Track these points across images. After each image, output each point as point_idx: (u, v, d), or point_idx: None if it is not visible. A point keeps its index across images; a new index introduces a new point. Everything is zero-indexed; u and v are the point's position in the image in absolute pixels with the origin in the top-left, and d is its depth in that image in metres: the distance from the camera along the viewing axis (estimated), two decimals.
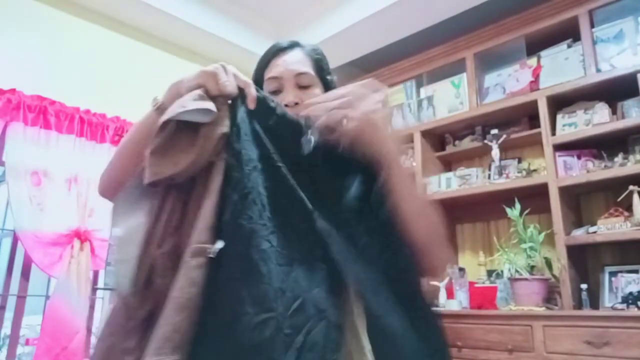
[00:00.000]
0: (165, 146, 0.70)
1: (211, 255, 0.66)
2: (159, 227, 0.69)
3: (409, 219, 0.76)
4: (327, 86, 0.96)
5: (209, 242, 0.66)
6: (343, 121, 0.74)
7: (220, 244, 0.67)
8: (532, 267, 2.55)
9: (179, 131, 0.71)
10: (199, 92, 0.71)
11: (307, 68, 0.93)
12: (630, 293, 2.20)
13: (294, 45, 0.96)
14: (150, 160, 0.69)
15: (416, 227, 0.77)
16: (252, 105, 0.74)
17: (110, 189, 0.84)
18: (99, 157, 2.64)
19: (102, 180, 0.85)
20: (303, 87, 0.92)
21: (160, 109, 0.74)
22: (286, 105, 0.90)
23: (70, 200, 2.53)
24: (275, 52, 0.95)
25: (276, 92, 0.93)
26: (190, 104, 0.70)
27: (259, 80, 0.96)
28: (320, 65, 0.96)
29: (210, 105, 0.70)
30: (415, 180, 0.76)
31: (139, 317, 0.66)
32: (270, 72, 0.93)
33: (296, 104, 0.90)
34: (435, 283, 2.84)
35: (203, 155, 0.70)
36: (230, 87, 0.72)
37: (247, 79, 0.75)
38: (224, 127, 0.72)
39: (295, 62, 0.93)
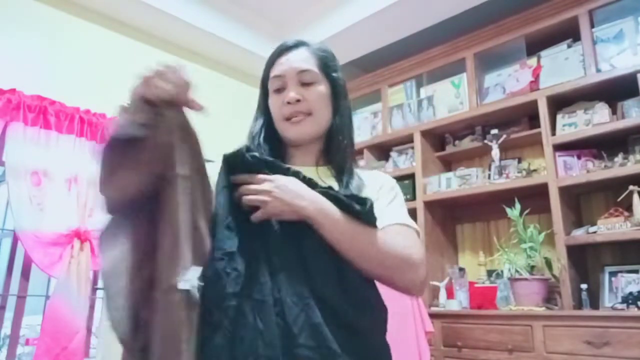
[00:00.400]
0: (114, 169, 0.68)
1: (183, 289, 0.64)
2: (136, 255, 0.68)
3: (352, 258, 0.78)
4: (333, 83, 0.96)
5: (177, 275, 0.64)
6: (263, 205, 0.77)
7: (194, 281, 0.65)
8: (532, 267, 2.55)
9: (126, 149, 0.68)
10: (127, 105, 0.70)
11: (310, 65, 0.93)
12: (630, 293, 2.19)
13: (299, 44, 0.96)
14: (101, 187, 0.68)
15: (363, 264, 0.78)
16: (197, 108, 0.73)
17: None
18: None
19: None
20: (306, 84, 0.92)
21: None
22: (288, 103, 0.91)
23: (70, 200, 2.52)
24: (281, 51, 0.96)
25: (279, 90, 0.93)
26: (123, 121, 0.68)
27: (266, 79, 0.97)
28: (325, 63, 0.96)
29: (140, 118, 0.68)
30: (350, 223, 0.78)
31: (137, 349, 0.66)
32: (274, 71, 0.94)
33: (298, 100, 0.90)
34: (436, 283, 2.84)
35: (151, 169, 0.68)
36: (163, 94, 0.69)
37: (187, 81, 0.72)
38: (168, 136, 0.69)
39: (299, 60, 0.93)
